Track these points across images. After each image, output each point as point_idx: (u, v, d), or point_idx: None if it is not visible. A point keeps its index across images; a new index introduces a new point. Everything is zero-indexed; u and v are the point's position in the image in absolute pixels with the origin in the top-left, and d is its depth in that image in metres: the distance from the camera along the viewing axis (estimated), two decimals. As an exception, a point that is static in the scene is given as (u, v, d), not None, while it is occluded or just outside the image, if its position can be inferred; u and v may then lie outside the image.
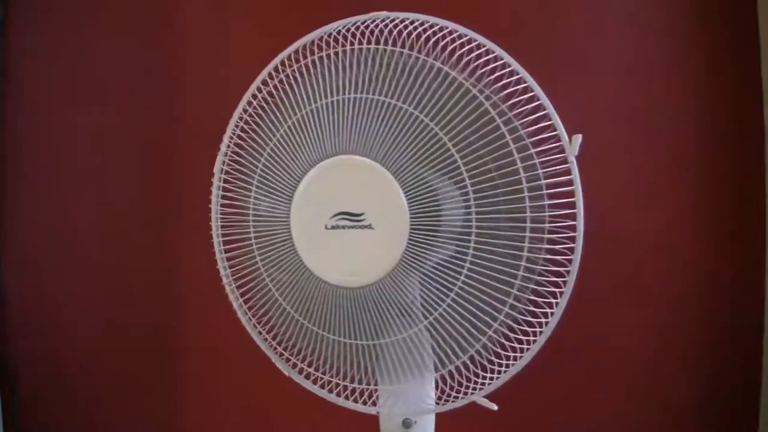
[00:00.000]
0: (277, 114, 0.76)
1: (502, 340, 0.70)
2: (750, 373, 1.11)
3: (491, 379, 0.71)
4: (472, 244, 0.68)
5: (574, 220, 0.66)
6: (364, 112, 0.69)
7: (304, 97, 0.74)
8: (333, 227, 0.71)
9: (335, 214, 0.71)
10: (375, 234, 0.69)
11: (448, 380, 0.74)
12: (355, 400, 0.78)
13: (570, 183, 0.66)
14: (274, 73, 0.78)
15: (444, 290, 0.69)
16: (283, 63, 0.77)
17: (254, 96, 0.80)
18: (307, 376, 0.81)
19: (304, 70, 0.76)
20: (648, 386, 1.15)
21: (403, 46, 0.69)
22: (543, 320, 0.68)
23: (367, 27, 0.72)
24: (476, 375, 0.72)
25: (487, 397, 0.72)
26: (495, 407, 0.71)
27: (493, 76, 0.67)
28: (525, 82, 0.67)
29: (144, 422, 1.40)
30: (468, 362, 0.71)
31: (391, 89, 0.69)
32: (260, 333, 0.82)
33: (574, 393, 1.17)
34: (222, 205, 0.82)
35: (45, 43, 1.43)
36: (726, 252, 1.12)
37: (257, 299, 0.80)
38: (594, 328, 1.15)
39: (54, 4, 1.42)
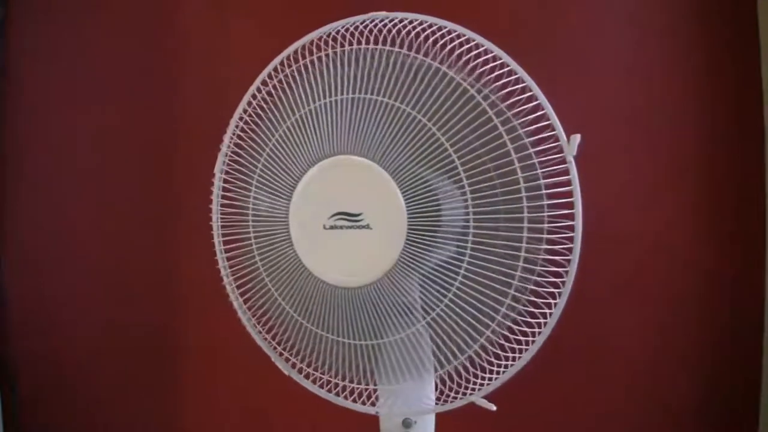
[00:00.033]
0: (277, 114, 0.76)
1: (501, 341, 0.70)
2: (750, 373, 1.11)
3: (490, 379, 0.71)
4: (469, 245, 0.68)
5: (573, 220, 0.66)
6: (363, 113, 0.69)
7: (303, 97, 0.74)
8: (331, 227, 0.71)
9: (333, 214, 0.71)
10: (373, 234, 0.69)
11: (447, 381, 0.74)
12: (355, 400, 0.78)
13: (569, 183, 0.66)
14: (273, 74, 0.78)
15: (442, 290, 0.69)
16: (282, 63, 0.77)
17: (254, 96, 0.80)
18: (307, 376, 0.81)
19: (303, 70, 0.76)
20: (648, 386, 1.15)
21: (401, 46, 0.69)
22: (542, 321, 0.68)
23: (366, 27, 0.72)
24: (475, 375, 0.72)
25: (486, 397, 0.72)
26: (493, 408, 0.71)
27: (491, 76, 0.67)
28: (523, 82, 0.67)
29: (144, 422, 1.40)
30: (466, 363, 0.71)
31: (389, 89, 0.69)
32: (260, 332, 0.82)
33: (574, 393, 1.17)
34: (222, 205, 0.82)
35: (45, 43, 1.43)
36: (726, 252, 1.12)
37: (256, 299, 0.80)
38: (594, 328, 1.15)
39: (54, 4, 1.42)
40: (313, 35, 0.76)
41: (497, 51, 0.67)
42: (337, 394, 0.79)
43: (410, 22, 0.70)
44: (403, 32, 0.70)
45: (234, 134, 0.81)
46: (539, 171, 0.66)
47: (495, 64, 0.67)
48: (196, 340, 1.36)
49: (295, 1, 1.28)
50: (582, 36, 1.17)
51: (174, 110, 1.36)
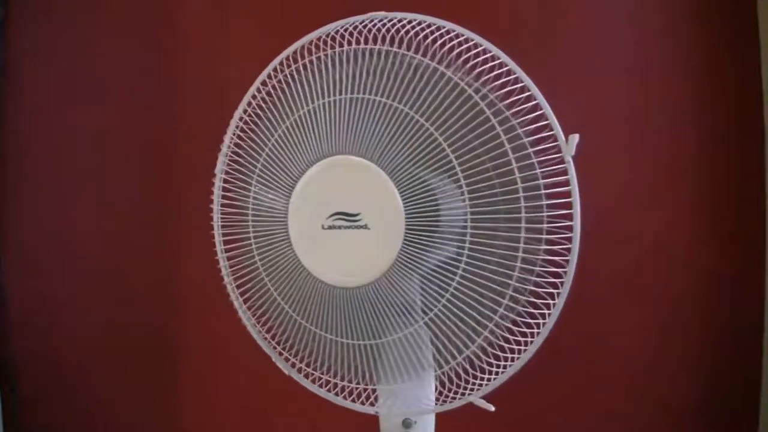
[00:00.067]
0: (276, 114, 0.76)
1: (500, 342, 0.70)
2: (750, 373, 1.10)
3: (489, 380, 0.71)
4: (467, 245, 0.68)
5: (572, 220, 0.66)
6: (361, 113, 0.69)
7: (302, 97, 0.74)
8: (330, 227, 0.71)
9: (332, 214, 0.71)
10: (371, 234, 0.69)
11: (446, 381, 0.73)
12: (354, 400, 0.78)
13: (567, 183, 0.66)
14: (273, 74, 0.78)
15: (440, 290, 0.69)
16: (282, 63, 0.77)
17: (254, 96, 0.80)
18: (307, 376, 0.81)
19: (302, 70, 0.76)
20: (648, 386, 1.15)
21: (400, 46, 0.69)
22: (540, 321, 0.68)
23: (365, 26, 0.72)
24: (474, 376, 0.72)
25: (486, 397, 0.72)
26: (492, 408, 0.71)
27: (490, 76, 0.67)
28: (522, 82, 0.67)
29: (144, 422, 1.40)
30: (465, 363, 0.71)
31: (386, 89, 0.69)
32: (260, 332, 0.82)
33: (574, 393, 1.17)
34: (222, 205, 0.82)
35: (45, 43, 1.43)
36: (726, 252, 1.12)
37: (256, 299, 0.80)
38: (594, 328, 1.15)
39: (54, 4, 1.42)
40: (313, 35, 0.76)
41: (495, 51, 0.67)
42: (337, 394, 0.79)
43: (409, 22, 0.70)
44: (402, 31, 0.70)
45: (234, 134, 0.81)
46: (538, 171, 0.65)
47: (494, 63, 0.67)
48: (196, 340, 1.36)
49: (295, 1, 1.28)
50: (582, 36, 1.17)
51: (174, 110, 1.36)
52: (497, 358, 0.70)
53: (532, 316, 0.69)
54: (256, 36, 1.31)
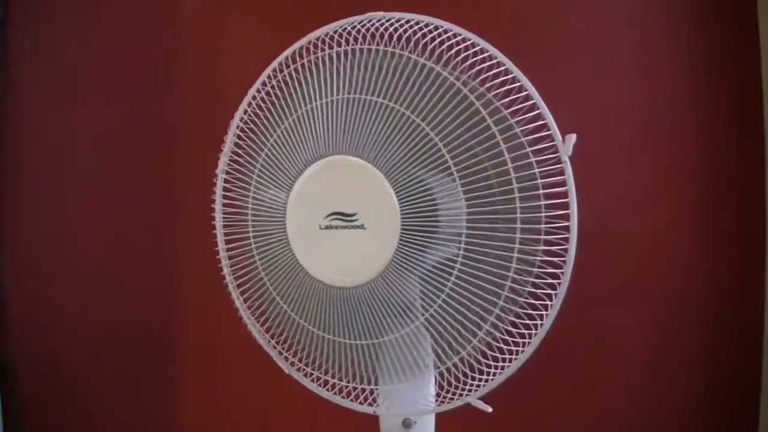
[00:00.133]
0: (275, 114, 0.76)
1: (498, 343, 0.70)
2: (750, 373, 1.10)
3: (486, 380, 0.71)
4: (462, 245, 0.67)
5: (569, 220, 0.66)
6: (358, 113, 0.69)
7: (300, 98, 0.74)
8: (327, 227, 0.71)
9: (329, 214, 0.71)
10: (367, 234, 0.69)
11: (445, 382, 0.73)
12: (353, 400, 0.78)
13: (565, 183, 0.66)
14: (273, 74, 0.78)
15: (436, 291, 0.69)
16: (281, 65, 0.77)
17: (254, 97, 0.80)
18: (306, 375, 0.81)
19: (301, 71, 0.76)
20: (648, 386, 1.15)
21: (397, 45, 0.69)
22: (538, 322, 0.68)
23: (363, 26, 0.72)
24: (471, 377, 0.71)
25: (485, 397, 0.72)
26: (489, 409, 0.71)
27: (486, 75, 0.67)
28: (519, 81, 0.67)
29: (144, 422, 1.40)
30: (461, 364, 0.71)
31: (383, 89, 0.69)
32: (260, 331, 0.82)
33: (574, 393, 1.17)
34: (222, 205, 0.83)
35: (45, 43, 1.43)
36: (726, 252, 1.12)
37: (255, 299, 0.81)
38: (594, 328, 1.15)
39: (54, 4, 1.42)
40: (312, 36, 0.76)
41: (493, 50, 0.67)
42: (337, 394, 0.79)
43: (407, 22, 0.70)
44: (401, 30, 0.70)
45: (235, 135, 0.81)
46: (536, 170, 0.65)
47: (491, 63, 0.67)
48: (196, 340, 1.36)
49: (295, 1, 1.28)
50: (582, 36, 1.17)
51: (174, 110, 1.36)
52: (495, 359, 0.70)
53: (530, 317, 0.68)
54: (256, 36, 1.31)
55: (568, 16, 1.16)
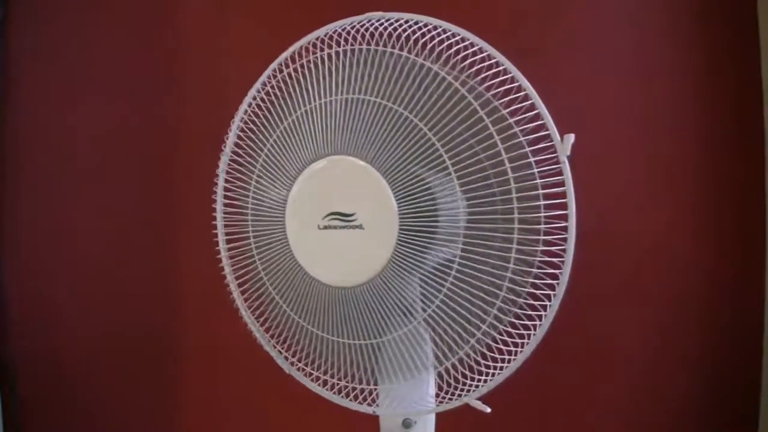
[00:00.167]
0: (275, 115, 0.76)
1: (497, 345, 0.70)
2: (750, 373, 1.11)
3: (485, 381, 0.70)
4: (460, 245, 0.67)
5: (567, 221, 0.66)
6: (356, 113, 0.69)
7: (299, 98, 0.74)
8: (325, 227, 0.71)
9: (327, 215, 0.71)
10: (365, 234, 0.69)
11: (444, 383, 0.73)
12: (353, 400, 0.78)
13: (563, 183, 0.65)
14: (272, 75, 0.78)
15: (435, 290, 0.69)
16: (281, 65, 0.77)
17: (254, 98, 0.80)
18: (307, 375, 0.81)
19: (299, 71, 0.76)
20: (648, 386, 1.15)
21: (395, 46, 0.69)
22: (537, 323, 0.68)
23: (362, 26, 0.72)
24: (470, 377, 0.71)
25: (485, 397, 0.72)
26: (488, 410, 0.71)
27: (485, 75, 0.67)
28: (517, 81, 0.66)
29: (144, 422, 1.40)
30: (458, 363, 0.71)
31: (382, 89, 0.68)
32: (260, 330, 0.82)
33: (574, 393, 1.17)
34: (223, 204, 0.83)
35: (45, 43, 1.43)
36: (726, 252, 1.12)
37: (255, 299, 0.81)
38: (594, 328, 1.15)
39: (54, 4, 1.42)
40: (312, 36, 0.76)
41: (491, 51, 0.67)
42: (337, 393, 0.79)
43: (406, 21, 0.70)
44: (399, 29, 0.70)
45: (236, 135, 0.81)
46: (535, 170, 0.65)
47: (490, 63, 0.67)
48: (196, 340, 1.36)
49: (295, 1, 1.29)
50: (581, 36, 1.17)
51: (174, 110, 1.36)
52: (494, 359, 0.70)
53: (529, 317, 0.68)
54: (256, 36, 1.31)
55: (568, 15, 1.16)
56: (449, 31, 0.69)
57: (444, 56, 0.68)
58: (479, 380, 0.71)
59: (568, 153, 0.65)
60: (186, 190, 1.35)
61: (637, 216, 1.14)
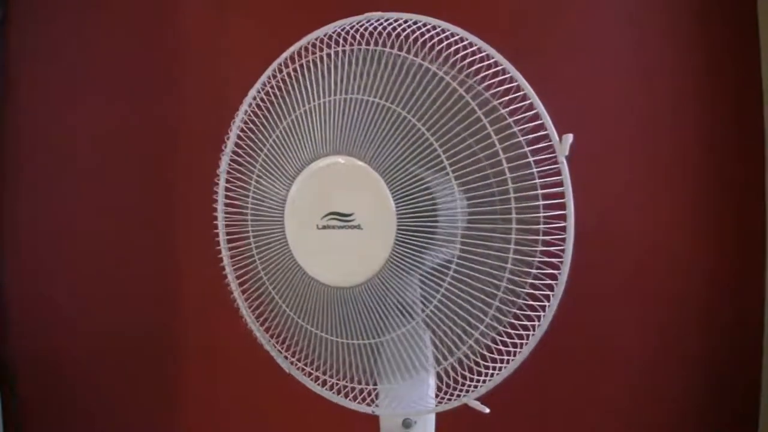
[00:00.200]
0: (274, 115, 0.76)
1: (497, 345, 0.70)
2: (750, 373, 1.10)
3: (483, 381, 0.70)
4: (458, 245, 0.67)
5: (566, 221, 0.66)
6: (355, 113, 0.69)
7: (298, 98, 0.74)
8: (324, 227, 0.71)
9: (326, 215, 0.71)
10: (363, 234, 0.69)
11: (443, 384, 0.73)
12: (352, 400, 0.78)
13: (562, 183, 0.65)
14: (273, 75, 0.78)
15: (432, 291, 0.69)
16: (281, 65, 0.77)
17: (254, 98, 0.80)
18: (307, 375, 0.81)
19: (298, 72, 0.76)
20: (648, 386, 1.15)
21: (394, 46, 0.69)
22: (536, 323, 0.68)
23: (362, 26, 0.72)
24: (469, 378, 0.71)
25: (483, 398, 0.72)
26: (486, 410, 0.71)
27: (483, 75, 0.67)
28: (516, 81, 0.66)
29: (144, 422, 1.40)
30: (457, 364, 0.71)
31: (380, 90, 0.68)
32: (260, 330, 0.82)
33: (574, 393, 1.17)
34: (224, 204, 0.83)
35: (45, 43, 1.43)
36: (726, 252, 1.12)
37: (255, 298, 0.81)
38: (594, 328, 1.15)
39: (54, 4, 1.42)
40: (311, 36, 0.76)
41: (490, 50, 0.67)
42: (337, 393, 0.79)
43: (405, 22, 0.70)
44: (399, 29, 0.70)
45: (236, 135, 0.81)
46: (534, 170, 0.65)
47: (488, 62, 0.67)
48: (196, 340, 1.36)
49: (295, 1, 1.29)
50: (581, 36, 1.17)
51: (174, 110, 1.37)
52: (493, 359, 0.70)
53: (528, 317, 0.68)
54: (256, 36, 1.31)
55: (568, 15, 1.16)
56: (448, 30, 0.69)
57: (443, 56, 0.68)
58: (478, 380, 0.71)
59: (567, 153, 0.65)
60: (186, 190, 1.35)
61: (637, 216, 1.14)
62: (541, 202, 0.65)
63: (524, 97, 0.65)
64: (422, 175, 0.67)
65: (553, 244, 0.66)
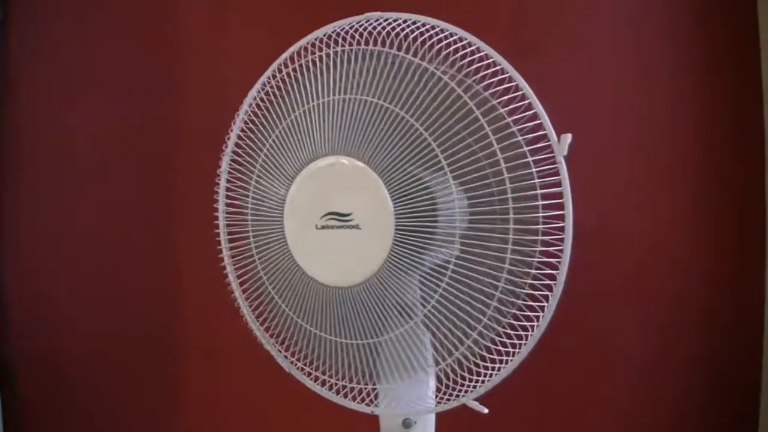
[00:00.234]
0: (274, 115, 0.76)
1: (496, 346, 0.70)
2: (750, 373, 1.10)
3: (482, 381, 0.70)
4: (457, 245, 0.67)
5: (564, 221, 0.66)
6: (354, 113, 0.69)
7: (298, 99, 0.74)
8: (323, 227, 0.71)
9: (325, 215, 0.71)
10: (362, 234, 0.69)
11: (443, 384, 0.73)
12: (352, 400, 0.78)
13: (560, 183, 0.65)
14: (273, 75, 0.78)
15: (431, 291, 0.69)
16: (280, 66, 0.77)
17: (254, 98, 0.80)
18: (307, 375, 0.81)
19: (298, 72, 0.76)
20: (648, 386, 1.15)
21: (393, 46, 0.69)
22: (535, 324, 0.68)
23: (361, 26, 0.72)
24: (468, 378, 0.71)
25: (482, 398, 0.72)
26: (485, 410, 0.71)
27: (482, 74, 0.67)
28: (515, 81, 0.66)
29: (144, 422, 1.40)
30: (457, 364, 0.71)
31: (379, 90, 0.68)
32: (260, 330, 0.82)
33: (574, 393, 1.17)
34: (225, 204, 0.83)
35: (45, 43, 1.43)
36: (726, 252, 1.12)
37: (255, 298, 0.81)
38: (594, 328, 1.15)
39: (54, 4, 1.42)
40: (311, 37, 0.76)
41: (489, 50, 0.67)
42: (336, 393, 0.79)
43: (404, 21, 0.70)
44: (398, 29, 0.69)
45: (237, 135, 0.81)
46: (533, 170, 0.65)
47: (487, 62, 0.67)
48: (196, 340, 1.36)
49: (295, 1, 1.29)
50: (581, 36, 1.16)
51: (174, 110, 1.37)
52: (492, 359, 0.70)
53: (527, 318, 0.68)
54: (256, 36, 1.31)
55: (567, 15, 1.16)
56: (447, 30, 0.69)
57: (442, 56, 0.68)
58: (477, 381, 0.71)
59: (565, 153, 0.65)
60: (186, 190, 1.35)
61: (637, 216, 1.14)
62: (540, 202, 0.65)
63: (523, 97, 0.65)
64: (420, 175, 0.67)
65: (552, 244, 0.66)
